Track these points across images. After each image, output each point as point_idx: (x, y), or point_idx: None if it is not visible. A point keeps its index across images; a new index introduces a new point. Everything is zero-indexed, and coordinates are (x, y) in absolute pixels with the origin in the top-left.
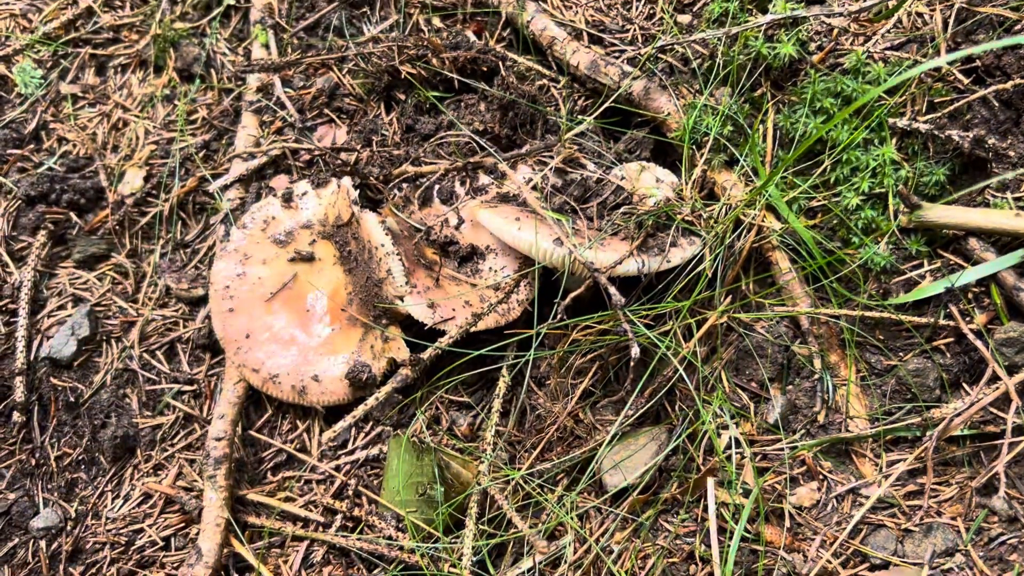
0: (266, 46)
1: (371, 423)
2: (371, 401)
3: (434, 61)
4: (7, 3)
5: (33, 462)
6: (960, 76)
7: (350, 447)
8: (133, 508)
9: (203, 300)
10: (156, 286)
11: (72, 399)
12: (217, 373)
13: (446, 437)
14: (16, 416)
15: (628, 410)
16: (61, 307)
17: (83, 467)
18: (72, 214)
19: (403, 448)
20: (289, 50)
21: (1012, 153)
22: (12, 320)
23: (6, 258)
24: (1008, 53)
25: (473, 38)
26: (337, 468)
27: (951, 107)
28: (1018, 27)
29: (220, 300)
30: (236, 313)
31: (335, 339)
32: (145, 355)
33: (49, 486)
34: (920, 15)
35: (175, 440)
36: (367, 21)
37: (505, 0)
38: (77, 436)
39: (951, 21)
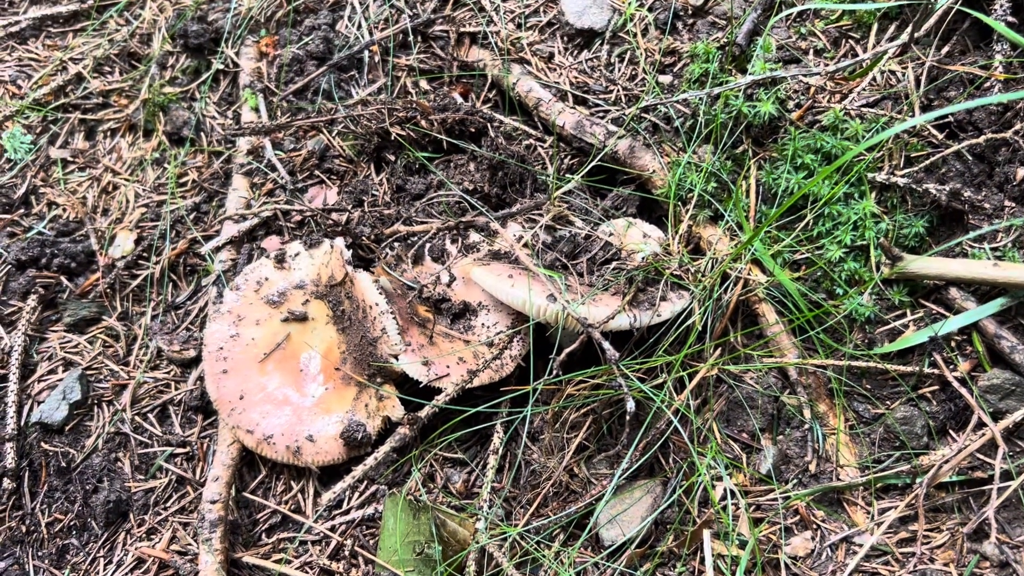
0: (256, 109)
1: (366, 482)
2: (370, 461)
3: (423, 123)
4: None
5: (24, 529)
6: (934, 131)
7: (345, 507)
8: (126, 574)
9: (195, 362)
10: (147, 349)
11: (63, 464)
12: (210, 435)
13: (442, 495)
14: (6, 482)
15: (624, 464)
16: (52, 371)
17: (75, 533)
18: (63, 278)
19: (399, 507)
20: (279, 113)
21: (987, 205)
22: (2, 385)
23: None
24: (979, 109)
25: (460, 100)
26: (333, 528)
27: (927, 161)
28: (987, 84)
29: (214, 362)
30: (230, 374)
31: (329, 398)
32: (137, 418)
33: (40, 553)
34: (893, 73)
35: (168, 503)
36: (355, 84)
37: (491, 63)
38: (69, 501)
39: (923, 79)
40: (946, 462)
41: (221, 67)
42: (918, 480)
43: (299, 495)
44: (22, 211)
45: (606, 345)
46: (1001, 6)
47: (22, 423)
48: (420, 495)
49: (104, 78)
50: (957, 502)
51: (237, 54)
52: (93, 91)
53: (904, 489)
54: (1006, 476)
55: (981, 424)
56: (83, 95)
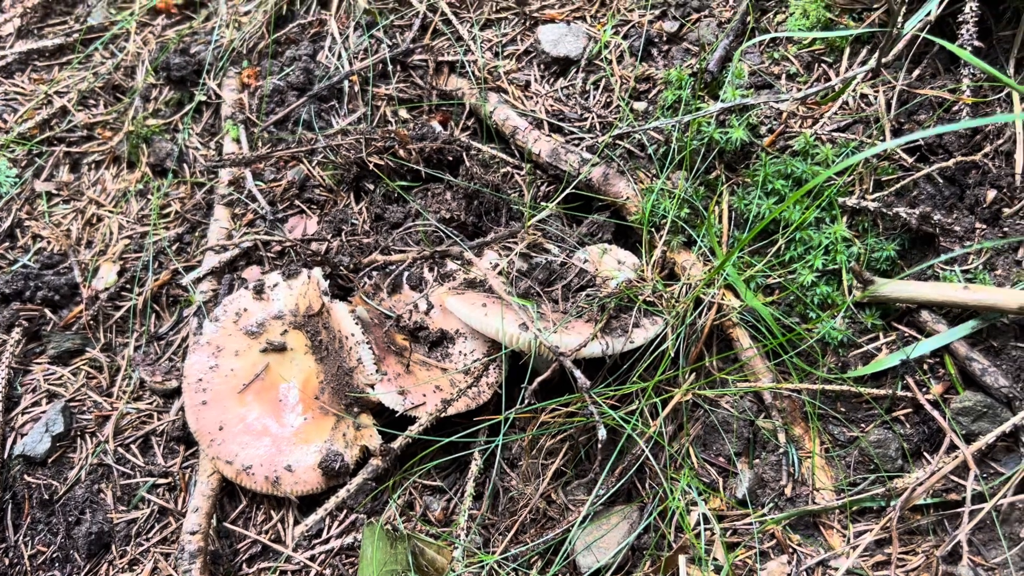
0: (237, 140)
1: (345, 511)
2: (343, 493)
3: (401, 152)
4: None
5: (6, 561)
6: (904, 155)
7: (324, 535)
8: None
9: (177, 392)
10: (130, 379)
11: (46, 496)
12: (192, 465)
13: (420, 523)
14: None
15: (599, 490)
16: (35, 403)
17: (57, 565)
18: (47, 310)
19: (377, 536)
20: (260, 144)
21: (958, 227)
22: None
23: None
24: (949, 132)
25: (439, 128)
26: (312, 558)
27: (898, 185)
28: (956, 107)
29: (193, 393)
30: (209, 406)
31: (307, 428)
32: (120, 449)
33: None
34: (865, 96)
35: (150, 534)
36: (335, 114)
37: (468, 91)
38: (51, 533)
39: (894, 102)
40: (920, 484)
41: (203, 99)
42: (892, 503)
43: (279, 525)
44: (7, 244)
45: (577, 373)
46: (968, 31)
47: (5, 456)
48: (397, 524)
49: (89, 111)
50: (932, 524)
51: (219, 85)
52: (78, 124)
53: (879, 512)
54: (978, 499)
55: (954, 446)
56: (68, 128)
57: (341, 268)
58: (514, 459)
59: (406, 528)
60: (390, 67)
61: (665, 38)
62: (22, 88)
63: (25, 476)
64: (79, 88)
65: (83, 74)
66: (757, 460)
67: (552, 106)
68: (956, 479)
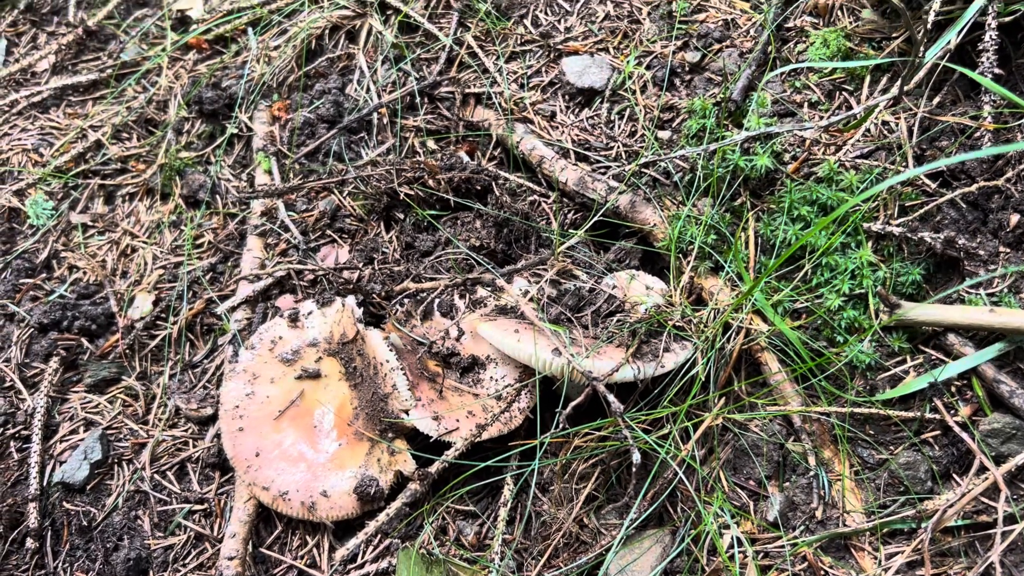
0: (269, 172)
1: (379, 535)
2: (382, 517)
3: (430, 182)
4: (19, 139)
5: None
6: (927, 181)
7: (360, 560)
8: None
9: (212, 419)
10: (166, 407)
11: (85, 523)
12: (227, 491)
13: (454, 548)
14: (29, 542)
15: (632, 514)
16: (73, 431)
17: None
18: (84, 340)
19: (412, 560)
20: (291, 175)
21: (982, 251)
22: (26, 446)
23: (19, 385)
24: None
25: (466, 159)
26: None
27: (921, 210)
28: (977, 133)
29: (230, 420)
30: (246, 432)
31: (342, 454)
32: (156, 476)
33: None
34: (887, 123)
35: (187, 560)
36: (365, 145)
37: (495, 122)
38: (90, 560)
39: (916, 129)
40: (950, 506)
41: (235, 131)
42: (923, 525)
43: (315, 550)
44: (44, 275)
45: (611, 398)
46: (988, 59)
47: (45, 483)
48: (432, 548)
49: (122, 144)
50: (963, 546)
51: (250, 118)
52: (112, 157)
53: (910, 534)
54: (1010, 520)
55: (983, 468)
56: (102, 161)
57: (373, 296)
58: (546, 484)
59: (441, 552)
60: (418, 99)
61: (688, 68)
62: (58, 123)
63: (64, 503)
64: (113, 122)
65: (117, 108)
66: (787, 483)
67: (578, 136)
68: (987, 501)
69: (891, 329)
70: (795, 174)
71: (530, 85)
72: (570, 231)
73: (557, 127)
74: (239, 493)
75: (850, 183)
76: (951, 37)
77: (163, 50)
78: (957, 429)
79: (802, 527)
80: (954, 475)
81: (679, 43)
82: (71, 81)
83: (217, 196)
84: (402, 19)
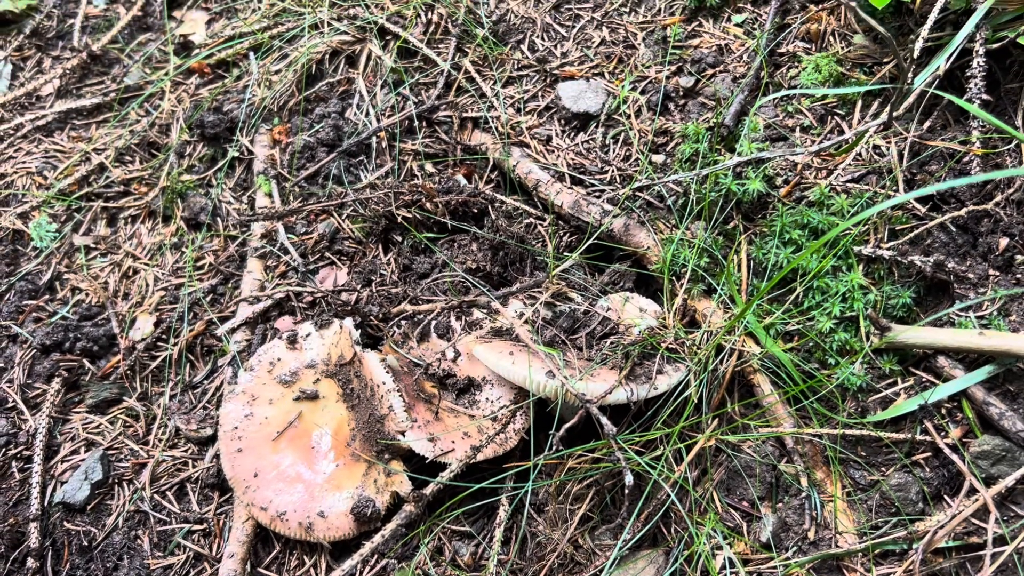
0: (269, 195)
1: (376, 556)
2: (378, 538)
3: (428, 205)
4: (23, 162)
5: None
6: (917, 205)
7: None
8: None
9: (211, 440)
10: (166, 428)
11: (85, 543)
12: (226, 511)
13: (450, 568)
14: (30, 562)
15: (626, 535)
16: (75, 452)
17: None
18: (85, 361)
19: None
20: (291, 198)
21: (971, 275)
22: (27, 466)
23: (22, 406)
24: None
25: (464, 182)
26: None
27: (912, 234)
28: (966, 158)
29: (229, 441)
30: (244, 453)
31: (339, 475)
32: (156, 496)
33: None
34: (877, 147)
35: None
36: (364, 168)
37: (492, 146)
38: None
39: (906, 153)
40: (941, 527)
41: (236, 155)
42: (914, 546)
43: (312, 570)
44: (47, 297)
45: (604, 420)
46: (976, 85)
47: (46, 503)
48: (428, 568)
49: (125, 167)
50: (954, 567)
51: (251, 142)
52: (115, 180)
53: (902, 555)
54: (999, 541)
55: (974, 490)
56: (105, 184)
57: (371, 318)
58: (541, 504)
59: (436, 573)
60: (416, 123)
61: (682, 93)
62: (62, 146)
63: (65, 523)
64: (116, 145)
65: (120, 132)
66: (780, 504)
67: (573, 159)
68: (977, 522)
69: (882, 351)
70: (787, 198)
71: (527, 109)
72: (565, 254)
73: (553, 151)
74: (238, 513)
75: (841, 207)
76: (940, 63)
77: (166, 74)
78: (947, 451)
79: (795, 548)
80: (945, 496)
81: (673, 68)
82: (75, 105)
83: (218, 218)
84: (401, 44)
